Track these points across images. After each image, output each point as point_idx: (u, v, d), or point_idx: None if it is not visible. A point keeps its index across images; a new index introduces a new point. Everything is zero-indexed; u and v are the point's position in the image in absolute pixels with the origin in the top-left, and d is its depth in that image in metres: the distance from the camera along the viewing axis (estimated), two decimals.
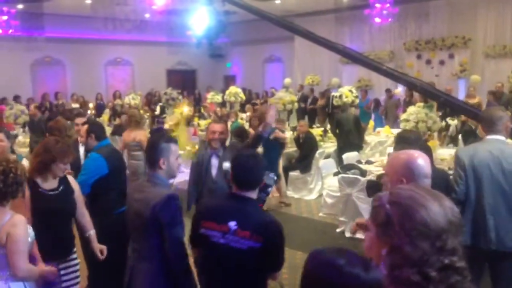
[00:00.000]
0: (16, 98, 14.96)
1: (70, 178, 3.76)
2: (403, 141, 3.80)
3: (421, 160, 2.46)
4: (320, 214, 7.81)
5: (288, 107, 10.99)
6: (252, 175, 2.88)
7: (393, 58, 16.14)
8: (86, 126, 4.71)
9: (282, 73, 19.58)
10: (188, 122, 11.23)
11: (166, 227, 2.88)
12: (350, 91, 10.65)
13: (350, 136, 8.84)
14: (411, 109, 7.42)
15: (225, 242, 2.74)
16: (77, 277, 3.73)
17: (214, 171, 4.57)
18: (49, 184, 3.53)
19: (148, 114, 13.93)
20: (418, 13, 14.98)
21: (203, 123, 12.03)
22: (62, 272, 3.55)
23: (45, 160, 3.47)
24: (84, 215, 3.80)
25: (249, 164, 2.87)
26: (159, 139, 3.13)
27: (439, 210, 1.57)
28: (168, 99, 13.19)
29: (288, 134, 9.59)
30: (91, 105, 14.83)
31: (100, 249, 3.79)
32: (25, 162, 4.49)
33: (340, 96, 10.49)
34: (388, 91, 13.85)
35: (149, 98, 16.22)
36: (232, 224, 2.73)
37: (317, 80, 16.91)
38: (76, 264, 3.74)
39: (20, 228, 2.88)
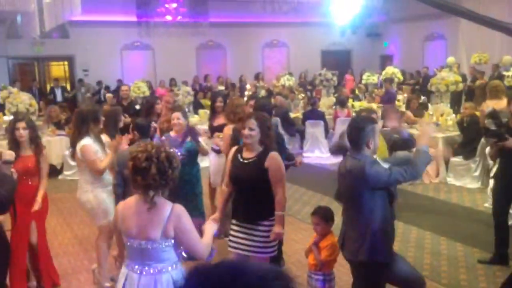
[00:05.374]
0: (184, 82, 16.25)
1: (273, 155, 3.84)
2: None
3: None
4: (486, 204, 7.11)
5: (451, 88, 10.15)
6: None
7: None
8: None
9: (445, 51, 18.20)
10: (343, 103, 11.06)
11: None
12: None
13: None
14: None
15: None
16: (266, 246, 3.86)
17: None
18: (247, 154, 3.91)
19: (302, 95, 14.08)
20: None
21: (357, 104, 11.76)
22: (248, 233, 3.86)
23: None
24: (276, 193, 3.82)
25: None
26: (367, 121, 3.41)
27: None
28: (323, 80, 13.14)
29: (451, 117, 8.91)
30: (248, 86, 15.42)
31: (278, 233, 3.80)
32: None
33: None
34: None
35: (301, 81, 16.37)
36: None
37: (486, 58, 15.36)
38: (265, 231, 3.83)
39: (184, 216, 2.77)
